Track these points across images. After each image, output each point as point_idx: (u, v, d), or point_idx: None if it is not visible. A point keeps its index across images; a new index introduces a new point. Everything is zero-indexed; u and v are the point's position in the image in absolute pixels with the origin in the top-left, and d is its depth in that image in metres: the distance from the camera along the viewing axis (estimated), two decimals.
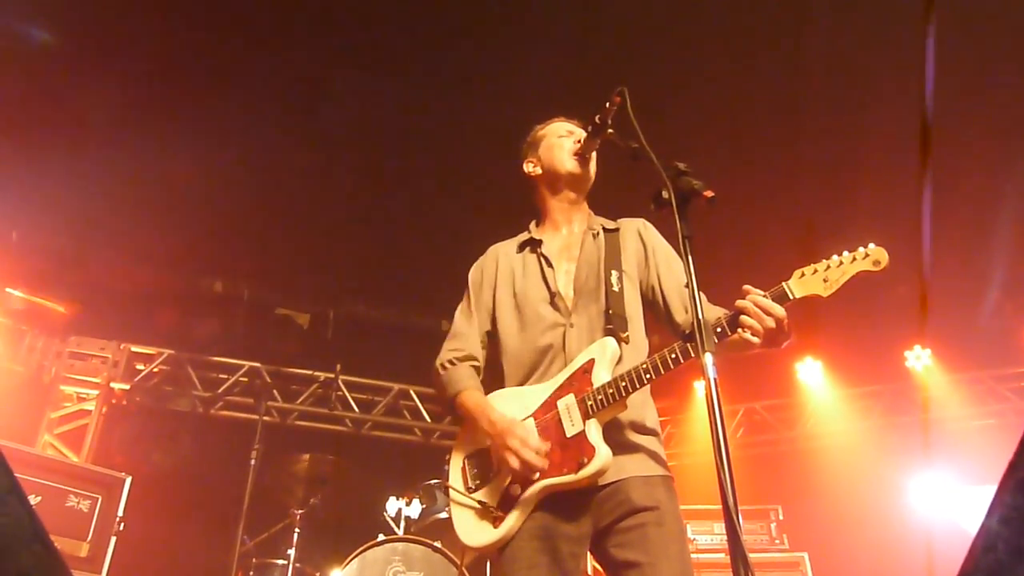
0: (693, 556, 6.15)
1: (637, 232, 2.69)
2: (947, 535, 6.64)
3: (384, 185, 6.96)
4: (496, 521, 2.31)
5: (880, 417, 8.55)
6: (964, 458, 7.24)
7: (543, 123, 2.88)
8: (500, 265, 2.75)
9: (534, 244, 2.72)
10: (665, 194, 2.00)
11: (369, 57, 5.86)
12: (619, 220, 2.74)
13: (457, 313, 2.77)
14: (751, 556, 1.59)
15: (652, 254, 2.64)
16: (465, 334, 2.68)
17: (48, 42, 5.37)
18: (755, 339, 2.10)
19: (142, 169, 6.46)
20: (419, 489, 5.42)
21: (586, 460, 2.21)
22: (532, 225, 2.82)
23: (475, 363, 2.64)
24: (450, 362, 2.62)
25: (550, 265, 2.64)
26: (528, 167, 2.84)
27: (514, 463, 2.27)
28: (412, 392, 8.76)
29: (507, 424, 2.34)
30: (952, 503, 7.15)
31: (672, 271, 2.58)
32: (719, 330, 2.16)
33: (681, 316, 2.50)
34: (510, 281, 2.68)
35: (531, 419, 2.38)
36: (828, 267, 2.10)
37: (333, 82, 6.03)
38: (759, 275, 2.20)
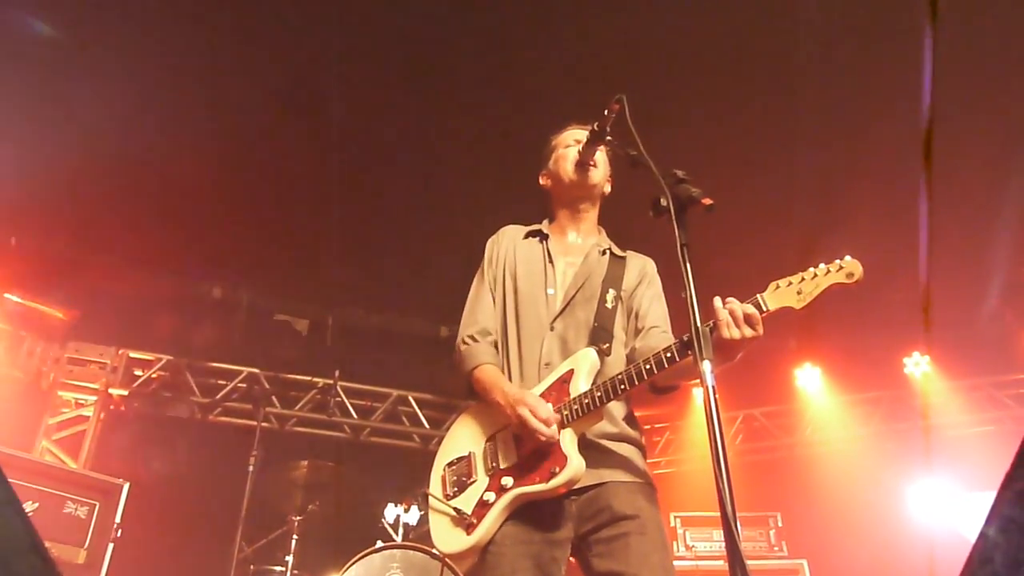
0: (692, 563, 6.18)
1: (642, 266, 2.74)
2: (947, 542, 6.64)
3: (384, 191, 6.96)
4: (469, 528, 2.33)
5: (879, 424, 8.54)
6: (963, 465, 7.23)
7: (557, 132, 2.91)
8: (506, 246, 2.80)
9: (542, 236, 2.78)
10: (663, 201, 2.00)
11: (368, 63, 5.87)
12: (628, 252, 2.78)
13: (474, 285, 2.82)
14: (750, 563, 1.59)
15: (646, 286, 2.69)
16: (483, 307, 2.72)
17: (50, 37, 5.36)
18: (734, 333, 2.09)
19: (140, 174, 6.47)
20: (417, 496, 5.42)
21: (557, 469, 2.23)
22: (546, 222, 2.86)
23: (494, 339, 2.67)
24: (472, 338, 2.65)
25: (551, 261, 2.68)
26: (541, 180, 2.90)
27: (524, 430, 2.30)
28: (411, 398, 8.75)
29: (519, 395, 2.37)
30: (951, 510, 7.14)
31: (654, 308, 2.63)
32: (668, 355, 2.18)
33: (631, 343, 2.57)
34: (513, 263, 2.74)
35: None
36: (803, 279, 2.10)
37: (332, 86, 6.03)
38: (754, 286, 2.21)
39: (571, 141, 2.79)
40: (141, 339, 8.03)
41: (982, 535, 0.73)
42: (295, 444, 8.14)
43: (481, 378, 2.53)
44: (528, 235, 2.82)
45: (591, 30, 5.52)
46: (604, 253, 2.70)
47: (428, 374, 8.35)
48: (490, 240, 2.87)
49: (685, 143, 5.46)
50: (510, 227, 2.89)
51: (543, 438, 2.27)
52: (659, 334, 2.51)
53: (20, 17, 5.32)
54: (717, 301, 2.14)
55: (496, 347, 2.64)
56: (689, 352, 2.07)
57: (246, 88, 6.00)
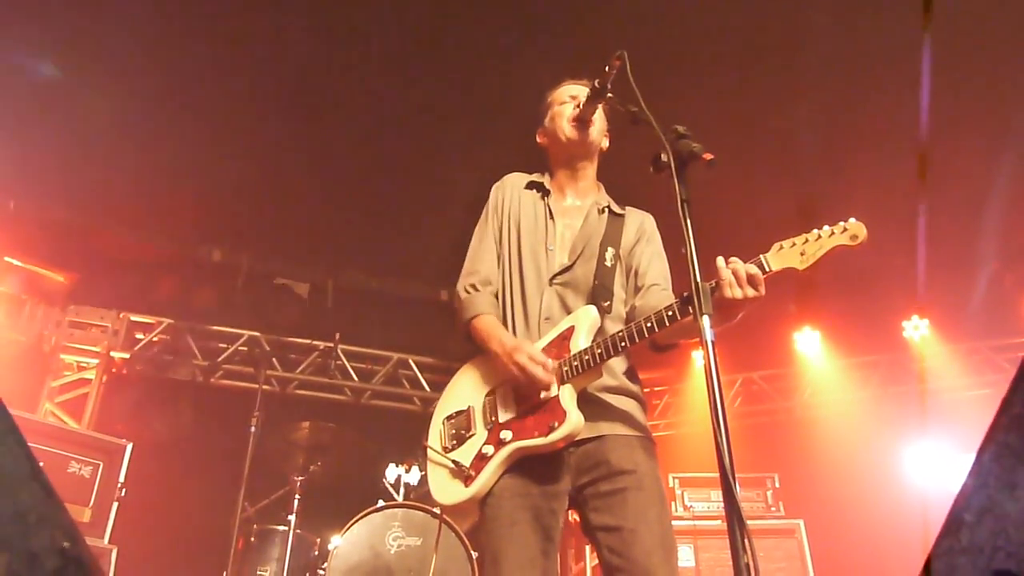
0: (691, 523, 6.24)
1: (640, 222, 2.73)
2: (942, 503, 6.65)
3: (384, 154, 6.92)
4: (467, 480, 2.35)
5: (877, 387, 8.59)
6: (960, 427, 7.27)
7: (553, 88, 2.88)
8: (510, 194, 2.79)
9: (544, 192, 2.76)
10: (664, 157, 1.99)
11: (364, 29, 5.80)
12: (627, 208, 2.77)
13: (477, 231, 2.80)
14: (747, 523, 1.59)
15: (645, 243, 2.68)
16: (485, 255, 2.71)
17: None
18: (736, 293, 2.09)
19: (140, 138, 6.43)
20: (418, 456, 5.46)
21: (556, 424, 2.25)
22: (547, 176, 2.84)
23: (494, 289, 2.66)
24: (473, 287, 2.64)
25: (552, 218, 2.67)
26: (538, 138, 2.88)
27: (521, 377, 2.31)
28: (411, 361, 8.78)
29: (516, 342, 2.39)
30: (947, 472, 7.21)
31: (653, 266, 2.62)
32: (670, 314, 2.17)
33: (631, 301, 2.57)
34: (517, 213, 2.72)
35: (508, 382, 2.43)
36: (807, 240, 2.10)
37: (332, 54, 5.97)
38: (755, 246, 2.20)
39: (566, 98, 2.76)
40: (142, 302, 8.03)
41: (977, 461, 0.74)
42: (296, 407, 8.18)
43: (480, 327, 2.52)
44: (529, 186, 2.80)
45: None
46: (603, 211, 2.69)
47: (428, 337, 8.37)
48: (494, 186, 2.86)
49: (685, 101, 5.43)
50: (513, 175, 2.87)
51: (541, 381, 2.28)
52: (659, 292, 2.52)
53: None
54: (720, 261, 2.13)
55: (496, 298, 2.63)
56: (690, 310, 2.05)
57: (245, 53, 5.93)
